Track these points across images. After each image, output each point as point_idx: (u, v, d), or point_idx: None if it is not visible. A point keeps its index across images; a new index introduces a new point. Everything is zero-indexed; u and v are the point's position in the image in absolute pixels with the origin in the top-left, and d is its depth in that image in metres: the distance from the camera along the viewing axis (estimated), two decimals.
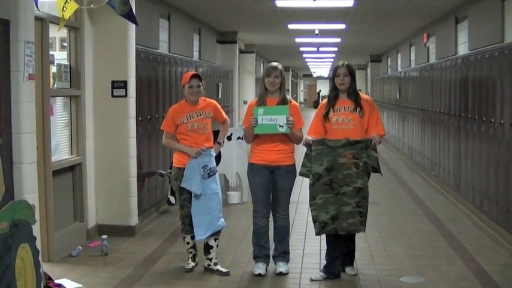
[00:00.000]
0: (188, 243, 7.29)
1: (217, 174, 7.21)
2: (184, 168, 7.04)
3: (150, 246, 8.28)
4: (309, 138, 6.83)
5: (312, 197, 6.76)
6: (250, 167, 7.16)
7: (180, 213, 7.21)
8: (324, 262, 7.09)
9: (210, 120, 7.18)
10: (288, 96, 7.15)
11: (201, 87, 7.10)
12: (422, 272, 7.20)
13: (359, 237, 7.06)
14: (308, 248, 8.18)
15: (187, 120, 7.05)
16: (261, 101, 7.04)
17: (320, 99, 51.12)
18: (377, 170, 6.75)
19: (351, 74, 6.88)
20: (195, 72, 7.23)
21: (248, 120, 7.01)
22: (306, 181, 6.86)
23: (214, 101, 7.38)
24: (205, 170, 7.04)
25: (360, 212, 6.72)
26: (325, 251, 7.09)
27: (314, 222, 6.80)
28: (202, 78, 7.17)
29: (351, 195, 6.69)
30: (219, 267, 7.17)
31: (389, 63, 24.84)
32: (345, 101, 6.87)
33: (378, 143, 6.73)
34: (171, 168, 10.18)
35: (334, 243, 6.93)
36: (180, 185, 7.04)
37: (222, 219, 7.21)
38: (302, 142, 6.89)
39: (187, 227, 7.17)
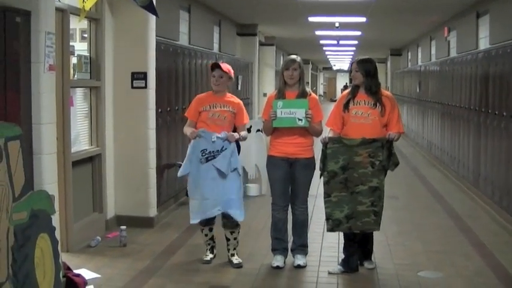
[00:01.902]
0: (206, 235, 7.29)
1: (229, 164, 7.02)
2: None
3: (168, 238, 8.30)
4: (326, 135, 6.81)
5: (327, 195, 6.75)
6: (269, 159, 7.14)
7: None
8: (341, 255, 7.08)
9: (231, 116, 7.12)
10: (308, 89, 7.12)
11: (224, 78, 7.08)
12: (440, 267, 7.16)
13: (377, 232, 7.03)
14: (326, 241, 8.16)
15: (210, 108, 7.04)
16: (280, 94, 7.02)
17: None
18: (396, 164, 6.74)
19: (362, 70, 6.83)
20: (216, 62, 7.22)
21: (267, 113, 6.99)
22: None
23: (241, 102, 7.37)
24: (203, 154, 6.96)
25: (375, 211, 6.69)
26: (343, 245, 7.08)
27: (327, 219, 6.79)
28: (229, 70, 7.14)
29: (366, 194, 6.66)
30: (233, 259, 7.18)
31: (409, 57, 24.72)
32: (364, 95, 6.84)
33: (395, 140, 6.71)
34: None
35: (352, 238, 6.91)
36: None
37: (219, 208, 7.04)
38: (320, 139, 6.86)
39: (205, 220, 7.16)
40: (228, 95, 7.22)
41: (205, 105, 7.07)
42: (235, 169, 7.04)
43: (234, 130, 7.19)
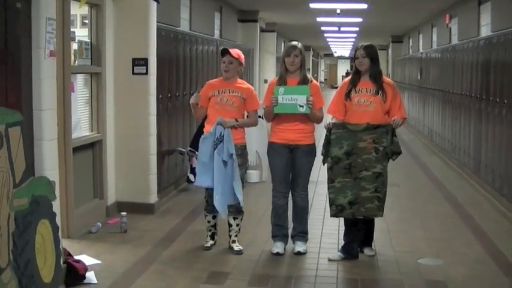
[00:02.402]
0: (209, 221, 7.30)
1: (225, 150, 6.93)
2: None
3: (169, 224, 8.31)
4: (330, 121, 6.81)
5: (331, 180, 6.76)
6: (270, 146, 7.14)
7: (206, 192, 7.21)
8: (342, 242, 7.09)
9: (240, 101, 7.09)
10: (309, 76, 7.11)
11: (233, 64, 7.07)
12: (440, 254, 7.17)
13: (378, 219, 7.04)
14: (326, 227, 8.17)
15: (218, 93, 7.04)
16: (281, 81, 7.01)
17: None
18: (399, 153, 6.74)
19: (369, 55, 6.81)
20: (223, 48, 7.22)
21: (268, 99, 6.98)
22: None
23: (252, 87, 7.36)
24: (216, 141, 6.93)
25: (378, 197, 6.70)
26: (343, 231, 7.09)
27: (331, 204, 6.80)
28: (239, 55, 7.13)
29: (369, 180, 6.67)
30: (233, 245, 7.19)
31: (410, 44, 24.67)
32: (367, 83, 6.82)
33: (399, 125, 6.71)
34: (191, 146, 10.29)
35: (353, 224, 6.92)
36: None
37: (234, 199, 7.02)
38: (324, 125, 6.85)
39: (210, 206, 7.15)
40: (239, 80, 7.21)
41: (214, 91, 7.07)
42: (231, 155, 6.99)
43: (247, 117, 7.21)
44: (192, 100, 7.10)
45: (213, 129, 6.89)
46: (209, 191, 7.07)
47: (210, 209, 7.17)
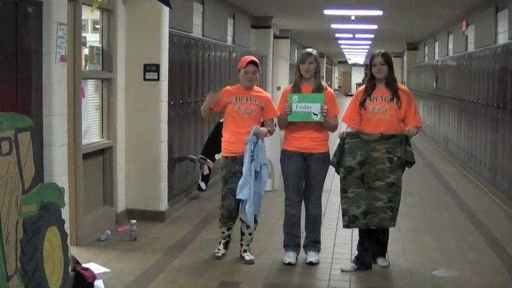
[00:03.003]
0: (223, 233, 7.28)
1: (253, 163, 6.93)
2: (231, 157, 7.01)
3: (179, 232, 8.29)
4: (344, 130, 6.79)
5: (344, 190, 6.73)
6: (283, 153, 7.12)
7: (221, 203, 7.17)
8: (355, 252, 7.06)
9: (259, 110, 7.06)
10: (323, 83, 7.09)
11: (257, 74, 7.07)
12: (454, 265, 7.13)
13: (392, 228, 7.01)
14: (339, 237, 8.14)
15: (236, 101, 7.01)
16: (295, 88, 7.00)
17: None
18: (412, 163, 6.71)
19: (388, 62, 6.80)
20: (253, 59, 7.12)
21: (282, 107, 6.97)
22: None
23: (269, 95, 7.35)
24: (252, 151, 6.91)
25: (392, 207, 6.68)
26: (356, 242, 7.06)
27: (343, 215, 6.77)
28: (259, 66, 7.13)
29: (383, 190, 6.65)
30: (245, 255, 7.16)
31: (426, 52, 24.63)
32: (383, 90, 6.80)
33: (413, 135, 6.69)
34: (202, 154, 10.29)
35: (366, 234, 6.89)
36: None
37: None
38: (338, 133, 6.82)
39: (225, 219, 7.15)
40: (256, 88, 7.19)
41: (231, 97, 7.04)
42: (264, 165, 7.00)
43: (262, 125, 7.15)
44: (208, 99, 7.06)
45: (249, 139, 6.87)
46: (226, 204, 7.05)
47: (225, 221, 7.17)
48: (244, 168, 6.84)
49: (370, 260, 6.96)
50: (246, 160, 6.84)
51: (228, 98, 7.05)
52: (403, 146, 6.61)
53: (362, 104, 6.82)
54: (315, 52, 7.01)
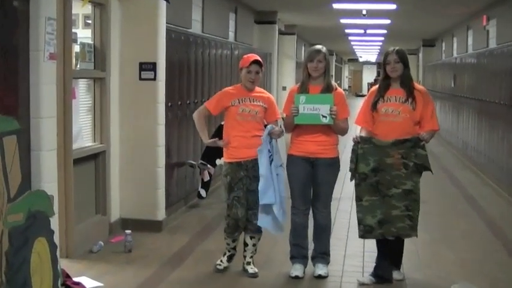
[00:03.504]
0: (228, 244, 7.26)
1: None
2: (236, 162, 6.99)
3: (177, 243, 8.29)
4: (357, 134, 6.77)
5: (358, 198, 6.73)
6: (289, 159, 7.10)
7: (227, 213, 7.13)
8: (367, 264, 7.05)
9: (263, 111, 7.05)
10: (333, 83, 7.08)
11: (260, 74, 7.06)
12: (474, 278, 7.10)
13: (406, 239, 7.00)
14: (350, 248, 8.13)
15: (239, 103, 6.99)
16: (303, 88, 6.98)
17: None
18: (428, 168, 6.69)
19: (403, 60, 6.79)
20: (256, 58, 7.09)
21: (288, 108, 6.96)
22: (349, 175, 6.82)
23: (271, 96, 7.35)
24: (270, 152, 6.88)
25: (410, 215, 6.65)
26: (369, 253, 7.05)
27: (359, 224, 6.76)
28: (263, 65, 7.12)
29: (399, 198, 6.62)
30: (248, 267, 7.15)
31: (443, 48, 24.63)
32: (397, 90, 6.78)
33: (429, 139, 6.66)
34: (202, 159, 10.29)
35: (385, 244, 6.85)
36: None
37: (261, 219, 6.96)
38: (352, 137, 6.80)
39: (231, 229, 7.12)
40: (258, 89, 7.18)
41: (233, 100, 7.02)
42: (280, 166, 6.99)
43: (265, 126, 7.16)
44: (210, 142, 7.13)
45: (264, 139, 6.85)
46: (233, 213, 7.01)
47: (230, 231, 7.14)
48: (263, 170, 6.78)
49: (391, 273, 6.91)
50: (264, 161, 6.79)
51: (229, 101, 7.03)
52: (416, 149, 6.59)
53: (374, 106, 6.81)
54: (324, 49, 6.99)
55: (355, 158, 6.69)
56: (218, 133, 7.35)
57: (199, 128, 7.20)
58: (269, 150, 6.82)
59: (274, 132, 6.88)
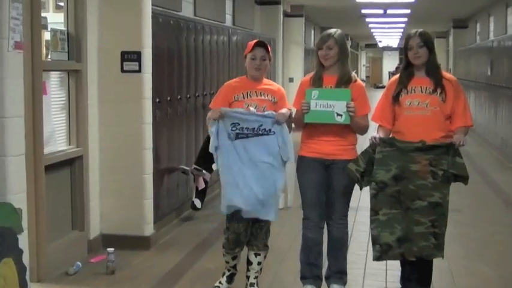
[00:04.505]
0: (228, 262, 7.23)
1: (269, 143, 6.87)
2: None
3: (169, 262, 8.29)
4: (376, 134, 6.70)
5: (374, 212, 6.62)
6: (300, 161, 7.06)
7: (226, 225, 7.09)
8: (391, 285, 7.03)
9: (272, 106, 6.98)
10: (352, 74, 7.00)
11: (267, 61, 7.03)
12: None
13: None
14: (370, 266, 8.10)
15: (244, 98, 6.96)
16: (315, 79, 6.94)
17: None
18: (465, 178, 6.60)
19: (427, 44, 6.74)
20: (259, 40, 7.10)
21: (299, 102, 6.91)
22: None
23: (282, 88, 7.32)
24: (234, 128, 6.82)
25: (436, 233, 6.56)
26: (392, 271, 7.03)
27: (374, 244, 6.67)
28: (269, 49, 7.08)
29: (424, 212, 6.53)
30: None
31: (478, 30, 24.65)
32: (422, 80, 6.73)
33: (464, 141, 6.57)
34: (196, 164, 10.28)
35: (410, 262, 6.82)
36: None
37: (266, 213, 6.91)
38: (369, 137, 6.76)
39: (232, 245, 7.07)
40: (265, 80, 7.15)
41: (237, 94, 6.99)
42: (286, 162, 6.97)
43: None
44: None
45: (253, 108, 6.84)
46: (233, 226, 6.97)
47: (231, 247, 7.09)
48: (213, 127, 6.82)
49: None
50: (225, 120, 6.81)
51: (232, 95, 7.00)
52: (451, 157, 6.51)
53: (396, 99, 6.75)
54: (337, 33, 6.91)
55: (365, 161, 6.62)
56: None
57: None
58: (258, 129, 6.81)
59: (279, 117, 6.82)
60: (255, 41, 7.02)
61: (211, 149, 6.88)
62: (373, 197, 6.62)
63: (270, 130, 6.80)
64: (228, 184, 6.86)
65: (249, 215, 6.84)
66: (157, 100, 9.36)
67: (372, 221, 6.65)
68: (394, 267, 7.53)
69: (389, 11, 24.41)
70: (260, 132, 6.81)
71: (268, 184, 6.87)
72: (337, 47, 6.87)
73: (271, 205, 6.91)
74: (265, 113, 6.80)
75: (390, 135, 6.72)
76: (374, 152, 6.58)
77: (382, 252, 6.62)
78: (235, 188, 6.81)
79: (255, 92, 6.97)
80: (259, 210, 6.85)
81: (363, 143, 6.94)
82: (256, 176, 6.83)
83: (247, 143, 6.83)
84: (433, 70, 6.73)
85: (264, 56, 6.96)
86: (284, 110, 6.91)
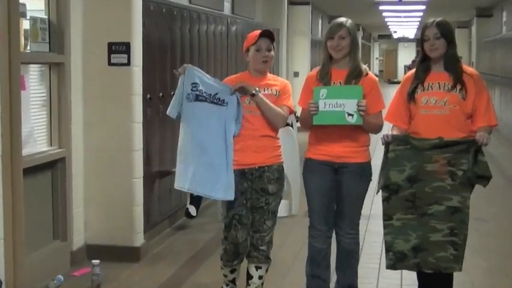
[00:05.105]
0: (226, 276, 7.23)
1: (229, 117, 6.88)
2: (239, 170, 6.92)
3: (161, 275, 8.30)
4: (389, 132, 6.67)
5: (387, 217, 6.61)
6: (307, 164, 7.06)
7: (224, 235, 7.08)
8: None
9: (277, 100, 6.99)
10: (364, 67, 6.99)
11: (272, 52, 7.02)
12: None
13: None
14: (384, 281, 8.13)
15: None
16: (323, 73, 6.91)
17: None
18: (488, 179, 6.57)
19: (445, 35, 6.71)
20: (265, 30, 7.08)
21: (305, 99, 6.90)
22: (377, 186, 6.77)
23: (288, 83, 7.30)
24: (194, 89, 6.84)
25: (455, 242, 6.52)
26: (408, 286, 7.03)
27: (387, 251, 6.66)
28: (274, 39, 7.09)
29: (442, 218, 6.50)
30: None
31: (504, 19, 24.66)
32: (440, 75, 6.70)
33: (487, 140, 6.55)
34: None
35: (428, 275, 6.80)
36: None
37: (221, 189, 6.90)
38: (381, 137, 6.72)
39: (230, 256, 7.05)
40: (270, 75, 7.17)
41: None
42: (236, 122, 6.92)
43: None
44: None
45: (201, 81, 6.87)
46: (231, 236, 6.96)
47: (229, 259, 7.07)
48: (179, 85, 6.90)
49: None
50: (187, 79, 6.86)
51: None
52: (472, 156, 6.48)
53: (411, 96, 6.73)
54: (348, 23, 6.90)
55: (385, 165, 6.60)
56: None
57: None
58: (212, 96, 6.85)
59: (242, 89, 6.86)
60: (257, 31, 6.99)
61: (168, 111, 6.94)
62: (385, 200, 6.61)
63: (223, 101, 6.83)
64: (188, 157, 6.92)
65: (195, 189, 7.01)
66: (148, 96, 9.37)
67: (385, 226, 6.65)
68: (409, 281, 7.53)
69: None
70: (214, 100, 6.84)
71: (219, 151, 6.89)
72: (350, 37, 6.85)
73: (221, 181, 6.88)
74: (228, 89, 6.84)
75: None
76: (388, 151, 6.56)
77: (396, 261, 6.62)
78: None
79: (259, 87, 6.95)
80: (207, 184, 6.91)
81: (376, 143, 6.91)
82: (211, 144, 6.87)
83: (205, 107, 6.86)
84: (452, 64, 6.69)
85: (269, 47, 6.95)
86: (245, 85, 6.89)
